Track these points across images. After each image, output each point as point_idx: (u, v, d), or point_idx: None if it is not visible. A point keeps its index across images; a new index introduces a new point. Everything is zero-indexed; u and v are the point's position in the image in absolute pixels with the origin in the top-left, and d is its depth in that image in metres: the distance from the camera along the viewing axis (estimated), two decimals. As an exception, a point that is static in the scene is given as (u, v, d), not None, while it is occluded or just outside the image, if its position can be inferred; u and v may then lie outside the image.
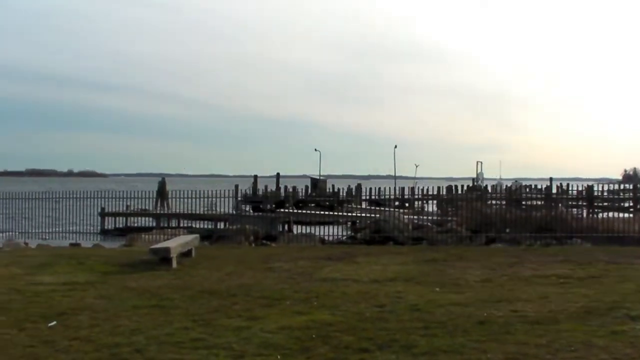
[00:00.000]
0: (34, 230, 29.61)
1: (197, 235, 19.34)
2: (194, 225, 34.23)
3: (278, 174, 71.66)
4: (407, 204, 39.43)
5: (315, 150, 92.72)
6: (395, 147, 66.94)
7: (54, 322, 9.37)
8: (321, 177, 76.72)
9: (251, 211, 45.75)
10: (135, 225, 37.26)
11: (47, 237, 28.58)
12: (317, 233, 26.75)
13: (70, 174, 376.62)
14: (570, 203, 31.94)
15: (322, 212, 34.53)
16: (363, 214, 32.89)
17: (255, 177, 68.96)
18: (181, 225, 35.40)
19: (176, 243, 16.32)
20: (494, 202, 31.21)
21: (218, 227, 32.92)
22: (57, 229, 29.89)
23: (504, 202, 30.65)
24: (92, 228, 31.08)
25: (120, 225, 38.82)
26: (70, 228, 29.83)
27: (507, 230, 24.45)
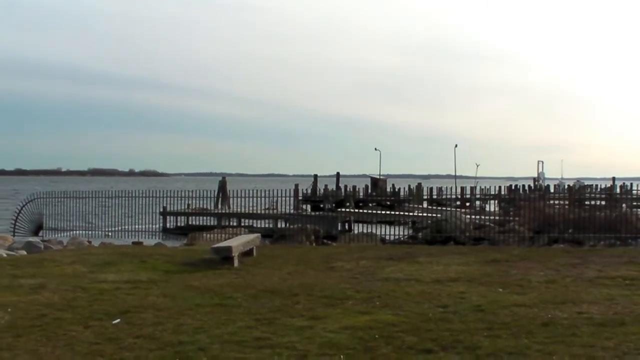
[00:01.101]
0: (97, 229, 30.02)
1: (259, 235, 19.38)
2: (254, 225, 34.35)
3: (338, 173, 71.73)
4: (467, 204, 39.19)
5: (376, 149, 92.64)
6: (456, 146, 66.51)
7: (118, 320, 9.45)
8: (381, 177, 76.55)
9: (311, 210, 45.89)
10: (196, 224, 37.50)
11: (110, 236, 28.95)
12: (377, 233, 26.65)
13: (131, 173, 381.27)
14: (634, 203, 31.44)
15: (382, 212, 34.40)
16: (423, 214, 32.68)
17: (316, 176, 69.11)
18: (241, 224, 35.51)
19: (238, 242, 16.37)
20: (555, 202, 30.84)
21: (278, 226, 33.00)
22: (119, 228, 30.25)
23: (566, 202, 30.27)
24: (153, 227, 31.36)
25: (181, 224, 39.19)
26: (133, 227, 30.19)
27: (570, 230, 24.11)
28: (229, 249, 15.33)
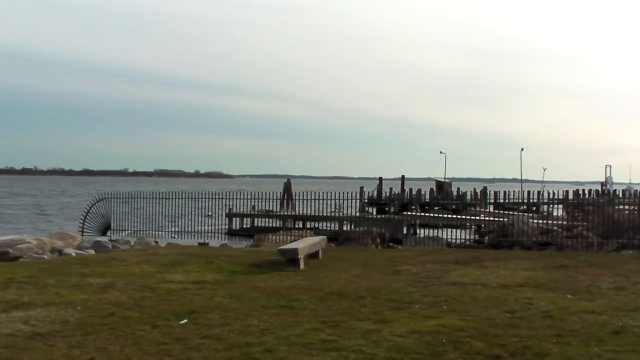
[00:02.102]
0: (163, 229, 30.32)
1: (325, 237, 19.36)
2: (319, 227, 34.40)
3: (403, 176, 71.48)
4: (534, 209, 38.69)
5: (441, 153, 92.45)
6: (522, 150, 65.95)
7: (186, 321, 9.51)
8: (446, 180, 76.20)
9: (376, 214, 45.76)
10: (261, 226, 37.69)
11: (176, 237, 29.22)
12: (443, 236, 26.49)
13: (197, 175, 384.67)
14: None
15: (447, 216, 34.18)
16: (489, 218, 32.38)
17: (381, 179, 69.03)
18: (306, 226, 35.60)
19: (304, 244, 16.38)
20: (624, 207, 30.27)
21: (343, 229, 32.99)
22: (185, 229, 30.53)
23: (635, 208, 29.70)
24: (219, 228, 31.57)
25: (247, 226, 39.41)
26: (198, 228, 30.43)
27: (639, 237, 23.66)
28: (295, 251, 15.34)
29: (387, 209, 50.56)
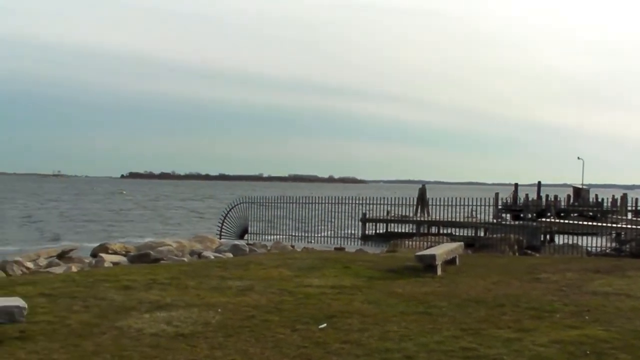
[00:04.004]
0: (299, 234, 30.62)
1: (461, 243, 19.16)
2: (453, 233, 34.14)
3: (539, 182, 70.10)
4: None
5: (578, 158, 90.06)
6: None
7: (324, 325, 9.54)
8: (583, 186, 74.39)
9: (511, 220, 45.08)
10: (396, 231, 37.63)
11: (312, 241, 29.45)
12: (580, 244, 25.87)
13: (331, 179, 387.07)
14: None
15: (585, 223, 33.40)
16: (629, 226, 31.43)
17: (516, 185, 67.90)
18: (441, 232, 35.36)
19: (441, 250, 16.24)
20: None
21: (478, 235, 32.65)
22: (320, 233, 30.74)
23: None
24: (353, 233, 31.68)
25: (381, 231, 39.40)
26: (333, 232, 30.60)
27: None
28: (432, 257, 15.22)
29: (522, 215, 49.72)
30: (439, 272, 15.12)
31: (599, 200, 55.07)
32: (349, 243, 28.92)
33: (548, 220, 35.52)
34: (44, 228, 50.21)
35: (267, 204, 31.62)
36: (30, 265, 17.83)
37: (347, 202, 31.45)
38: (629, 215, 42.94)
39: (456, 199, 31.06)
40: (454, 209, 31.07)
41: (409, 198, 35.21)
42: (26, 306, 8.78)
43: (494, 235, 28.50)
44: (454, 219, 33.41)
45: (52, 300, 11.21)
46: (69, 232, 46.83)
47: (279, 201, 31.59)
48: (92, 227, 53.12)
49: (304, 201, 31.84)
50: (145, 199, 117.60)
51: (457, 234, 33.99)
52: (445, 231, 35.72)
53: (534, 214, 43.57)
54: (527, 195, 67.36)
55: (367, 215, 36.98)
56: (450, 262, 16.63)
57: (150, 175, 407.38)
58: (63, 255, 20.30)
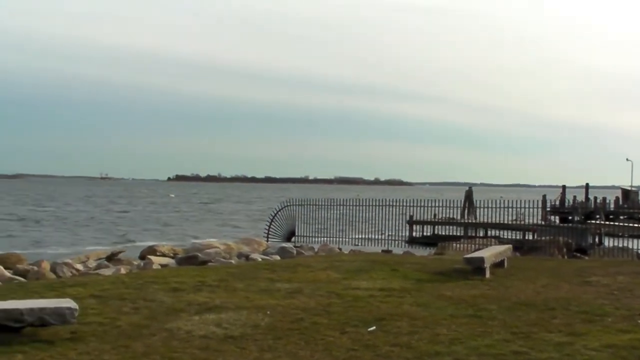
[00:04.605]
0: (345, 236, 30.62)
1: (510, 246, 19.02)
2: (501, 235, 33.92)
3: (587, 184, 69.52)
4: None
5: (627, 160, 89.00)
6: None
7: (374, 327, 9.51)
8: (632, 188, 73.58)
9: (559, 222, 44.72)
10: (442, 233, 37.49)
11: (358, 243, 29.42)
12: (630, 247, 25.56)
13: (376, 182, 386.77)
14: None
15: (634, 225, 33.04)
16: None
17: (564, 187, 67.30)
18: (488, 234, 35.17)
19: (489, 253, 16.12)
20: None
21: (526, 237, 32.42)
22: (367, 236, 30.70)
23: None
24: (400, 235, 31.60)
25: (428, 233, 39.27)
26: (379, 235, 30.56)
27: None
28: (481, 259, 15.10)
29: (570, 217, 49.28)
30: (488, 274, 15.01)
31: (649, 202, 54.46)
32: (396, 245, 28.84)
33: (597, 222, 35.20)
34: (110, 230, 51.18)
35: (314, 206, 31.65)
36: (79, 267, 18.03)
37: (393, 204, 31.41)
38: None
39: (503, 201, 30.86)
40: (501, 211, 30.88)
41: (456, 200, 35.09)
42: (77, 307, 8.87)
43: (542, 238, 28.24)
44: (501, 222, 33.22)
45: (102, 302, 11.30)
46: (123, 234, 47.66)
47: (325, 203, 31.61)
48: (146, 228, 53.89)
49: (350, 203, 31.86)
50: (192, 202, 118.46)
51: (505, 236, 33.75)
52: (492, 234, 35.50)
53: (582, 217, 43.20)
54: (574, 197, 66.72)
55: (414, 218, 36.87)
56: (498, 264, 16.50)
57: (196, 178, 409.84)
58: (112, 258, 20.51)
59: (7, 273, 16.17)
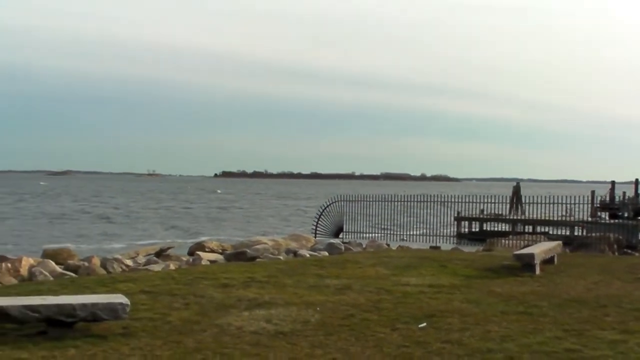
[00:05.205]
0: (393, 232, 30.56)
1: (560, 242, 18.85)
2: (549, 232, 33.64)
3: (637, 179, 68.52)
4: None
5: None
6: None
7: (424, 324, 9.48)
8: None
9: (608, 218, 44.24)
10: (490, 229, 37.29)
11: (406, 239, 29.34)
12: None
13: (423, 177, 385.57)
14: None
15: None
16: None
17: (613, 182, 66.51)
18: (536, 230, 34.87)
19: (539, 249, 15.99)
20: None
21: (575, 233, 32.10)
22: (414, 232, 30.61)
23: None
24: (447, 231, 31.49)
25: (475, 229, 39.08)
26: (426, 231, 30.47)
27: None
28: (531, 256, 14.98)
29: (619, 213, 48.69)
30: (538, 271, 14.89)
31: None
32: (443, 241, 28.71)
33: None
34: (160, 225, 51.91)
35: (361, 202, 31.57)
36: (129, 262, 18.12)
37: (440, 200, 31.31)
38: None
39: (551, 197, 30.58)
40: (549, 207, 30.61)
41: (503, 196, 34.87)
42: (129, 303, 8.96)
43: (592, 234, 27.92)
44: (549, 218, 32.94)
45: (153, 298, 11.40)
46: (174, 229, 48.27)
47: (373, 199, 31.53)
48: (193, 223, 54.40)
49: (398, 199, 31.74)
50: (240, 198, 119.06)
51: (553, 232, 33.48)
52: (540, 230, 35.21)
53: (632, 213, 42.68)
54: (624, 193, 65.91)
55: (461, 214, 36.71)
56: (548, 261, 16.37)
57: (242, 174, 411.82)
58: (161, 253, 20.58)
59: (59, 268, 16.30)
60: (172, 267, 16.96)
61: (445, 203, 31.63)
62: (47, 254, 18.44)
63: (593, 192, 50.71)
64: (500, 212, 36.65)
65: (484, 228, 38.86)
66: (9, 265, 15.51)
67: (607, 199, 61.95)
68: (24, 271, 15.33)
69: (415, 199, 31.52)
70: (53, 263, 16.51)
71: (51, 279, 14.66)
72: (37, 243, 34.76)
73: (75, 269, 16.29)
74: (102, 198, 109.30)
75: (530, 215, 34.04)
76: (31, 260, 16.36)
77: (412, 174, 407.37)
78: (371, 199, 31.48)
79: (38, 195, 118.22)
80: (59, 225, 54.14)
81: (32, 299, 9.12)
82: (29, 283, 13.96)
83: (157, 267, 17.00)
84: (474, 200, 32.42)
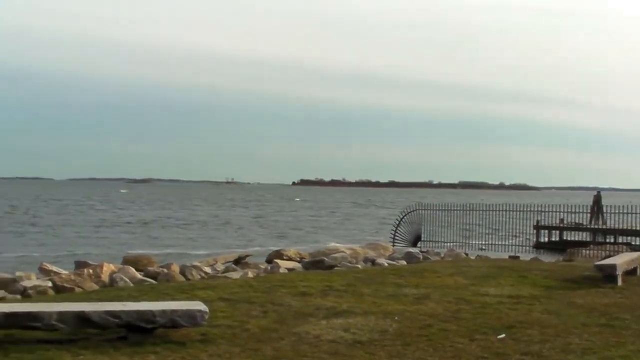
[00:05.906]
0: (472, 242, 30.38)
1: (644, 253, 18.48)
2: (632, 242, 33.02)
3: None
4: None
5: None
6: None
7: (503, 335, 9.38)
8: None
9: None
10: (570, 239, 36.78)
11: (485, 249, 29.12)
12: None
13: (501, 187, 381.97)
14: None
15: None
16: None
17: (698, 192, 65.16)
18: (618, 241, 34.24)
19: (622, 260, 15.67)
20: None
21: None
22: (493, 241, 30.37)
23: None
24: (527, 241, 31.18)
25: (555, 239, 38.57)
26: (505, 241, 30.21)
27: None
28: (613, 267, 14.70)
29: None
30: (620, 283, 14.60)
31: None
32: (522, 251, 28.40)
33: None
34: (240, 234, 52.49)
35: (440, 211, 31.46)
36: (208, 270, 18.30)
37: (520, 209, 31.03)
38: None
39: (634, 206, 30.06)
40: (631, 217, 30.11)
41: (584, 205, 34.40)
42: (208, 310, 9.05)
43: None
44: (632, 228, 32.37)
45: (232, 305, 11.48)
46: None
47: (452, 208, 31.40)
48: (273, 231, 54.86)
49: (477, 208, 31.57)
50: (318, 206, 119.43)
51: (636, 243, 32.84)
52: (622, 240, 34.56)
53: None
54: None
55: (541, 223, 36.27)
56: (631, 272, 16.04)
57: (320, 183, 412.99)
58: (239, 261, 20.76)
59: (139, 275, 16.56)
60: (250, 275, 17.07)
61: (525, 212, 31.32)
62: (127, 261, 18.77)
63: (677, 202, 49.59)
64: (580, 222, 36.16)
65: (564, 238, 38.31)
66: (91, 271, 15.84)
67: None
68: (105, 277, 15.62)
69: (495, 208, 31.31)
70: (133, 269, 16.77)
71: (131, 285, 14.90)
72: (123, 249, 35.28)
73: (154, 276, 16.53)
74: (186, 205, 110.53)
75: (612, 225, 33.52)
76: (112, 267, 16.66)
77: (490, 183, 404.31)
78: (450, 208, 31.35)
79: (132, 201, 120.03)
80: (153, 230, 55.13)
81: (114, 305, 9.28)
82: (110, 289, 14.21)
83: (235, 275, 17.13)
84: (554, 210, 32.08)
